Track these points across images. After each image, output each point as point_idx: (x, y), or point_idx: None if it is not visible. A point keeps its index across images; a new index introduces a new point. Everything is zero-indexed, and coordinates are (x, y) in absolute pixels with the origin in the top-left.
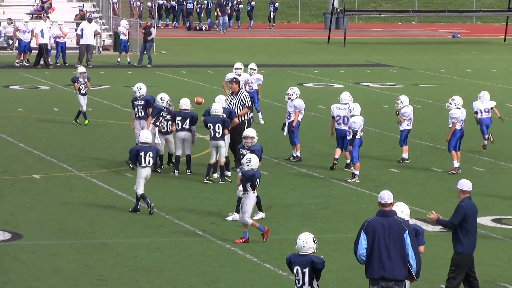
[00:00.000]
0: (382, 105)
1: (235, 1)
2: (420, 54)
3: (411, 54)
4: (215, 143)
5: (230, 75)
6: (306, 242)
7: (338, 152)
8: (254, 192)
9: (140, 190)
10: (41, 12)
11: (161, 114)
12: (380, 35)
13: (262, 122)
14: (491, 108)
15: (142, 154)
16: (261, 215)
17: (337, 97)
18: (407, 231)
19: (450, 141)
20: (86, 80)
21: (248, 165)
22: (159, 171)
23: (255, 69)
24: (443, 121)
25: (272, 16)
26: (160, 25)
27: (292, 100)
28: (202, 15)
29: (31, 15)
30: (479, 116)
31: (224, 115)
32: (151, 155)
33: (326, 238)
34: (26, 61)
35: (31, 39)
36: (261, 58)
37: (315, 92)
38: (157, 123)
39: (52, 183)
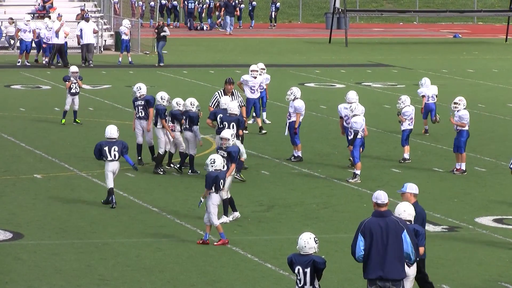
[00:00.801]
0: (384, 105)
1: (237, 1)
2: (422, 54)
3: (413, 54)
4: None
5: (245, 77)
6: (308, 242)
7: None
8: (218, 194)
9: (109, 184)
10: (43, 11)
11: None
12: (382, 35)
13: (267, 121)
14: (436, 95)
15: (106, 148)
16: (235, 215)
17: (338, 97)
18: (405, 230)
19: (461, 143)
20: (78, 79)
21: (212, 166)
22: (160, 172)
23: (264, 69)
24: (445, 121)
25: (273, 16)
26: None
27: (292, 100)
28: (203, 15)
29: (32, 15)
30: (425, 101)
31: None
32: (116, 149)
33: (327, 238)
34: (29, 60)
35: (32, 39)
36: (263, 58)
37: (316, 92)
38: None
39: (54, 183)
